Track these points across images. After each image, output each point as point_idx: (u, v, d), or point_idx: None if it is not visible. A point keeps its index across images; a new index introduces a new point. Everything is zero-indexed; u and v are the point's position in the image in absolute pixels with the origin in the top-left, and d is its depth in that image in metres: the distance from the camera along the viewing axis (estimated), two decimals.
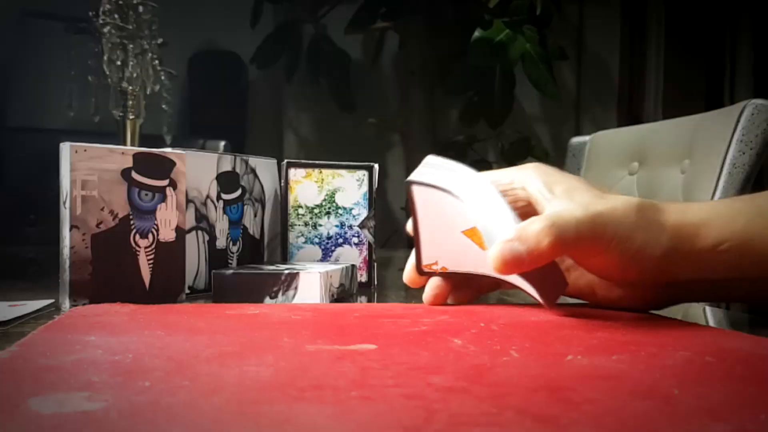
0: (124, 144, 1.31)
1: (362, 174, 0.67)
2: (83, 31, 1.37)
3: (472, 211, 0.42)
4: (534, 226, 0.38)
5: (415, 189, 0.45)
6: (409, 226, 0.47)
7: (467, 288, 0.48)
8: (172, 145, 1.24)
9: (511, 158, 2.24)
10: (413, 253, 0.48)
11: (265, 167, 0.67)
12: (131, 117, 1.33)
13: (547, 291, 0.42)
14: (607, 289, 0.46)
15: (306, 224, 0.66)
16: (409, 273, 0.48)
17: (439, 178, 0.44)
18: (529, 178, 0.43)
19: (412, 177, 0.45)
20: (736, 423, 0.20)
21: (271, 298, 0.52)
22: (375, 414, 0.21)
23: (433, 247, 0.46)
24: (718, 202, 0.45)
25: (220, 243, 0.61)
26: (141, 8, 1.33)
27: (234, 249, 0.63)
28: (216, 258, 0.60)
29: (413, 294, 0.54)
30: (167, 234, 0.51)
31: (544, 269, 0.40)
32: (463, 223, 0.43)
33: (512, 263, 0.38)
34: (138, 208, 0.50)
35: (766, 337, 0.36)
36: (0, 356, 0.28)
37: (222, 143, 1.91)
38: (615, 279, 0.45)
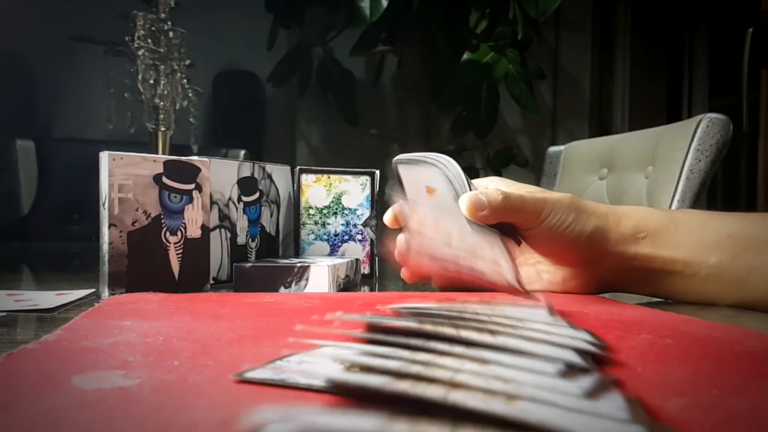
0: (156, 153, 1.31)
1: (365, 179, 0.67)
2: (120, 54, 1.37)
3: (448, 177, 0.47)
4: (492, 189, 0.45)
5: (401, 168, 0.46)
6: (386, 217, 0.49)
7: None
8: (199, 154, 1.24)
9: (495, 165, 2.23)
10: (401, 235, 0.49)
11: (280, 173, 0.67)
12: (162, 129, 1.33)
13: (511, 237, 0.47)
14: (552, 273, 0.50)
15: (316, 223, 0.66)
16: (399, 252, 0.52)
17: (419, 155, 0.48)
18: (493, 182, 0.50)
19: (397, 158, 0.47)
20: (691, 397, 0.20)
21: (285, 287, 0.52)
22: None
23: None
24: (638, 206, 0.48)
25: (241, 239, 0.61)
26: (171, 34, 1.33)
27: (253, 245, 0.63)
28: (237, 253, 0.60)
29: (409, 285, 0.54)
30: (194, 231, 0.51)
31: (505, 226, 0.45)
32: (444, 186, 0.46)
33: (478, 206, 0.43)
34: (168, 209, 0.50)
35: (717, 322, 0.36)
36: (47, 339, 0.28)
37: (242, 152, 1.91)
38: (555, 256, 0.49)
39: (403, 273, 0.51)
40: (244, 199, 0.61)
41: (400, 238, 0.50)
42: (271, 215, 0.66)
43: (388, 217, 0.49)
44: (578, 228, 0.45)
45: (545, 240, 0.46)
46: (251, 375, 0.21)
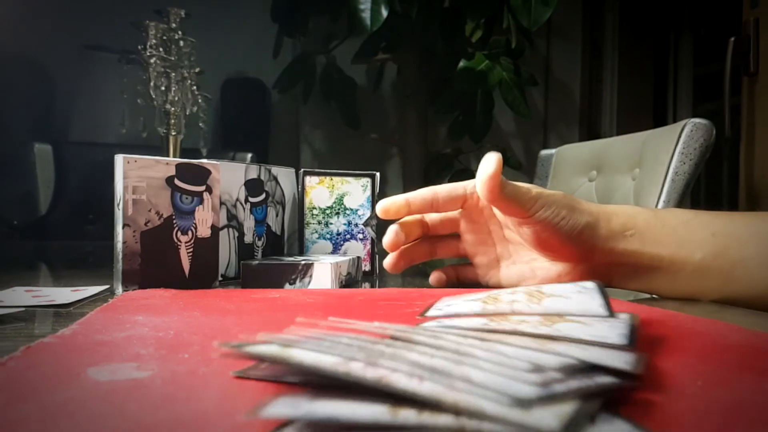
0: (168, 156, 1.31)
1: (366, 181, 0.67)
2: (133, 62, 1.37)
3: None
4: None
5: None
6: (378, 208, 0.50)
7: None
8: (208, 157, 1.24)
9: None
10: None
11: (285, 175, 0.67)
12: (173, 133, 1.33)
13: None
14: (546, 270, 0.50)
15: (319, 223, 0.66)
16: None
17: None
18: None
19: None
20: (677, 389, 0.20)
21: (290, 284, 0.52)
22: None
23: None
24: (627, 206, 0.48)
25: (248, 238, 0.61)
26: (182, 42, 1.33)
27: (259, 243, 0.63)
28: (244, 251, 0.60)
29: (408, 282, 0.54)
30: (204, 231, 0.51)
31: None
32: None
33: (492, 180, 0.45)
34: (179, 210, 0.50)
35: (701, 317, 0.36)
36: (63, 333, 0.28)
37: (249, 155, 1.91)
38: (548, 251, 0.48)
39: (386, 263, 0.52)
40: (251, 199, 0.61)
41: (392, 228, 0.51)
42: (277, 215, 0.66)
43: (380, 208, 0.50)
44: (570, 223, 0.45)
45: (539, 234, 0.46)
46: (251, 350, 0.21)
